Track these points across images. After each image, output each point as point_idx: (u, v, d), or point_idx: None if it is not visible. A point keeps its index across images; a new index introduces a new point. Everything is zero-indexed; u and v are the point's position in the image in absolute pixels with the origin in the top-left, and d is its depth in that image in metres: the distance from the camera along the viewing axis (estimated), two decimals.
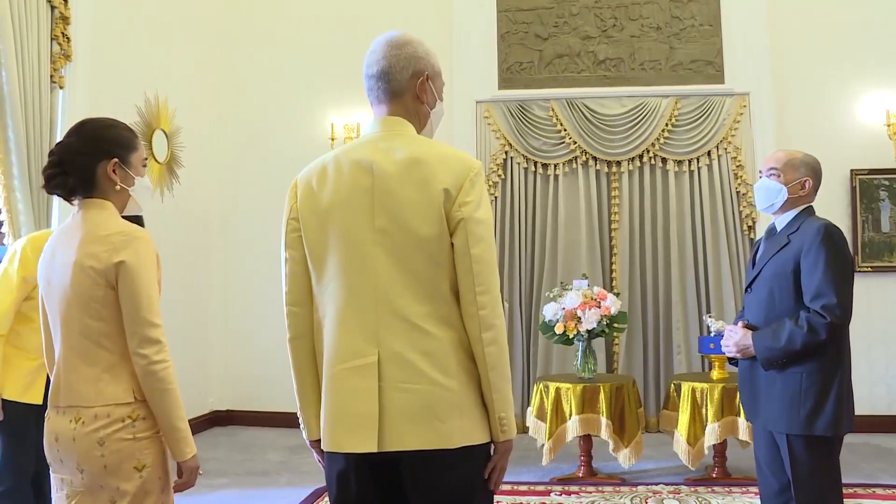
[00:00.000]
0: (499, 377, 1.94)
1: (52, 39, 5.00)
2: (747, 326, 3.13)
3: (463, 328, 1.95)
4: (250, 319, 7.26)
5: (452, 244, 1.93)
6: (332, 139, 7.09)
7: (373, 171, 1.96)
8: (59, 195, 2.34)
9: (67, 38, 5.09)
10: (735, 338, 3.09)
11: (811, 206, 3.14)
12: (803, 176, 3.10)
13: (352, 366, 1.94)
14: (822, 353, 2.88)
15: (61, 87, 5.06)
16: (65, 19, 5.06)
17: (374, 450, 1.89)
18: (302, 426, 2.16)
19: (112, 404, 2.21)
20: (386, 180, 1.95)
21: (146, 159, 2.49)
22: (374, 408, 1.90)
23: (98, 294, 2.22)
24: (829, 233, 2.93)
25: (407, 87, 2.06)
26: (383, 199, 1.94)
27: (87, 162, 2.31)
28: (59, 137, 4.94)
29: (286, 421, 6.88)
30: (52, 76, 4.98)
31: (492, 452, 2.01)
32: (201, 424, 6.90)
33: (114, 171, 2.33)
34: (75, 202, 2.35)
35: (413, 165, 1.94)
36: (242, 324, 7.29)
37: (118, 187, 2.34)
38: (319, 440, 2.07)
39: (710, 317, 5.20)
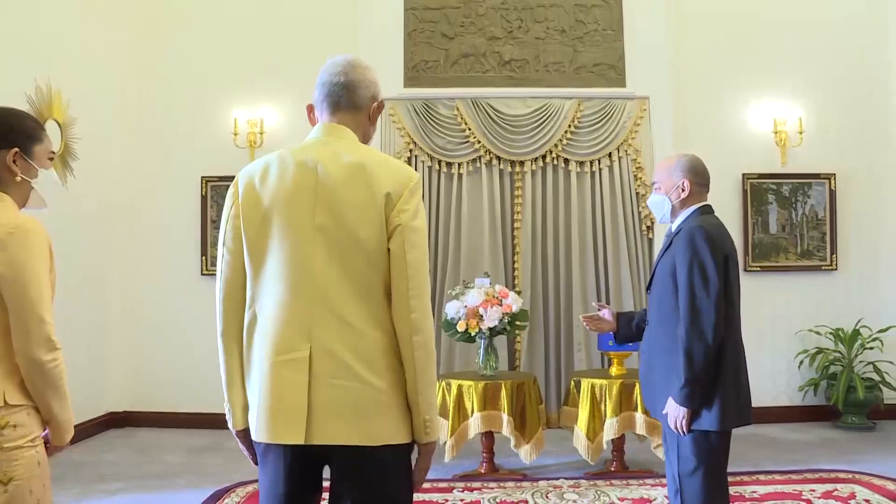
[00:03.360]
0: (425, 382, 2.02)
1: None
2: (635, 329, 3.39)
3: (393, 331, 2.02)
4: (151, 317, 7.08)
5: (389, 248, 2.01)
6: (235, 134, 6.98)
7: (318, 172, 2.04)
8: None
9: None
10: (672, 415, 3.02)
11: (705, 205, 3.16)
12: (679, 179, 3.14)
13: (285, 359, 2.00)
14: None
15: None
16: None
17: (301, 442, 1.97)
18: (228, 416, 2.19)
19: None
20: (330, 181, 2.02)
21: (53, 152, 2.38)
22: (304, 401, 1.97)
23: None
24: (693, 238, 2.96)
25: (365, 105, 2.20)
26: (326, 199, 2.01)
27: None
28: None
29: (188, 421, 6.78)
30: None
31: (415, 452, 2.11)
32: (96, 427, 6.67)
33: (14, 161, 2.23)
34: None
35: (358, 169, 2.03)
36: (143, 322, 7.09)
37: (18, 178, 2.24)
38: (245, 430, 2.15)
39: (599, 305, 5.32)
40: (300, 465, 2.05)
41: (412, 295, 1.99)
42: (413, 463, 2.14)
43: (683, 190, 3.12)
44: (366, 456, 2.00)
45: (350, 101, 2.18)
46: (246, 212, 2.07)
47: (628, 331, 3.57)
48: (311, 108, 2.25)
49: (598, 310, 3.78)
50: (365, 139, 2.23)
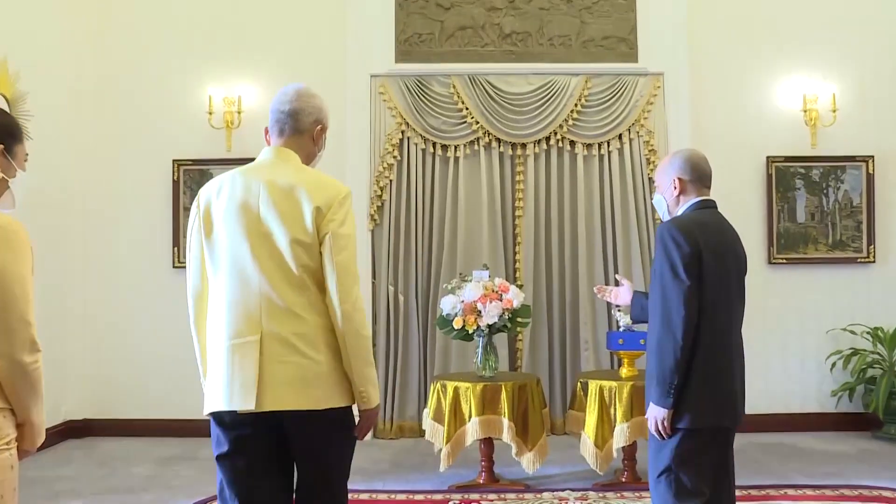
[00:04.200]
0: (358, 361, 2.65)
1: None
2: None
3: (329, 315, 2.65)
4: (114, 316, 7.04)
5: (321, 252, 2.62)
6: (210, 113, 6.94)
7: (261, 191, 2.67)
8: None
9: None
10: (651, 416, 3.20)
11: (701, 200, 3.32)
12: (671, 177, 3.34)
13: (239, 342, 2.61)
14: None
15: None
16: None
17: (253, 408, 2.56)
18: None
19: None
20: (272, 198, 2.65)
21: (27, 154, 2.51)
22: (255, 376, 2.57)
23: None
24: (661, 235, 3.19)
25: (308, 129, 2.82)
26: (268, 213, 2.64)
27: None
28: None
29: (156, 429, 6.77)
30: None
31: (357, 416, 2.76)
32: (52, 437, 6.55)
33: None
34: None
35: (293, 189, 2.65)
36: (106, 320, 7.04)
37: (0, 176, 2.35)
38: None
39: (619, 310, 5.30)
40: (254, 432, 2.64)
41: (341, 290, 2.60)
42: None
43: (675, 188, 3.33)
44: (312, 418, 2.61)
45: (293, 128, 2.81)
46: (206, 224, 2.72)
47: (638, 312, 3.78)
48: (266, 131, 2.88)
49: (619, 283, 4.09)
50: (308, 159, 2.85)
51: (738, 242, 3.30)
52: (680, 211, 3.33)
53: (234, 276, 2.64)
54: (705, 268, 3.09)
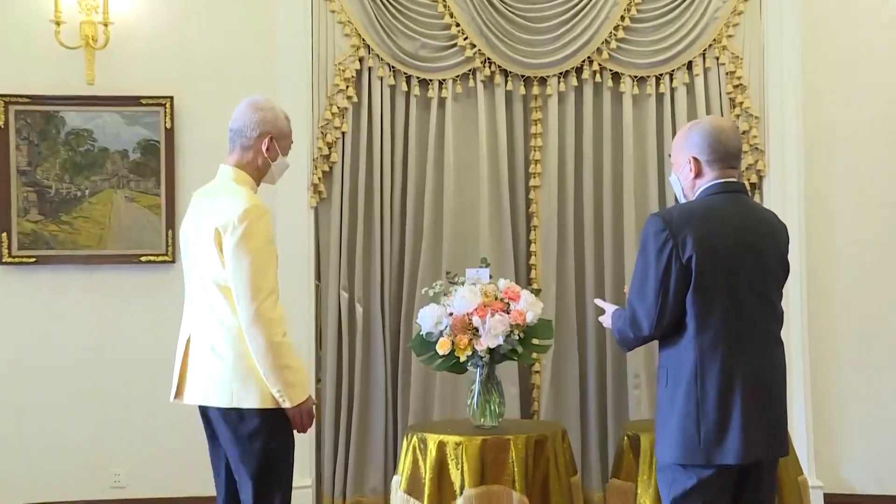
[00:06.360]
0: (267, 366, 3.92)
1: None
2: None
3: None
4: None
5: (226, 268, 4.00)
6: (58, 24, 6.68)
7: (201, 213, 4.12)
8: None
9: None
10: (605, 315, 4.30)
11: (714, 184, 3.84)
12: (686, 156, 3.90)
13: (180, 343, 4.22)
14: (664, 376, 3.85)
15: None
16: None
17: (171, 400, 4.18)
18: None
19: None
20: (199, 219, 4.11)
21: None
22: (178, 373, 4.17)
23: None
24: (644, 229, 3.80)
25: (254, 144, 4.17)
26: (196, 234, 4.12)
27: None
28: None
29: None
30: None
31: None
32: None
33: None
34: None
35: (209, 210, 4.04)
36: None
37: None
38: None
39: None
40: (204, 419, 4.22)
41: (241, 303, 3.92)
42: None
43: (691, 170, 3.90)
44: (225, 415, 4.00)
45: (241, 145, 4.18)
46: (181, 242, 4.37)
47: None
48: None
49: None
50: (259, 172, 4.23)
51: (766, 235, 3.81)
52: (695, 196, 3.90)
53: (188, 288, 4.23)
54: (696, 268, 3.64)
